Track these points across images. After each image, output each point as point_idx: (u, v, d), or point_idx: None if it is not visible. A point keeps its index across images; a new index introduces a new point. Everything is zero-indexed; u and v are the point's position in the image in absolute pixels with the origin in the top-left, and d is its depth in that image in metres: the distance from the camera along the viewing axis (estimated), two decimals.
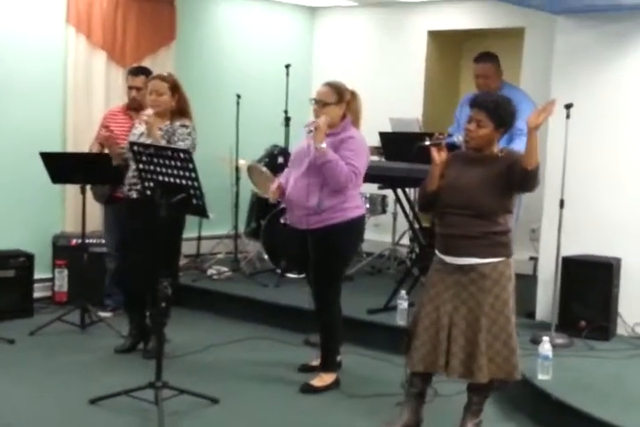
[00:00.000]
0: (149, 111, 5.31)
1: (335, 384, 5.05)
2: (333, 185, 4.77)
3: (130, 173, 5.40)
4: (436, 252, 4.25)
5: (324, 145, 4.71)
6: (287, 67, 7.94)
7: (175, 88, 5.38)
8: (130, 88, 6.16)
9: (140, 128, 5.43)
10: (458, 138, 4.30)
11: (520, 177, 3.93)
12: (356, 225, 4.99)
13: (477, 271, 4.06)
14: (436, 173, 4.22)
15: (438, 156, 4.20)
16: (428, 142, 4.23)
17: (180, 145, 5.18)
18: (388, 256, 7.96)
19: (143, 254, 5.20)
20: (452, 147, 4.34)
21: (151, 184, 4.70)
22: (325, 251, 4.91)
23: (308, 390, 4.99)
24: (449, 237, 4.15)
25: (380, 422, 4.43)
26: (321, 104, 4.86)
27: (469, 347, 4.05)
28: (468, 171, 4.14)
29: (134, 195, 5.38)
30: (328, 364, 5.09)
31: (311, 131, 4.82)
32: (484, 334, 4.02)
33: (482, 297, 4.04)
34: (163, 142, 5.21)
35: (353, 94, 4.98)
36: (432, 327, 4.13)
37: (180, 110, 5.39)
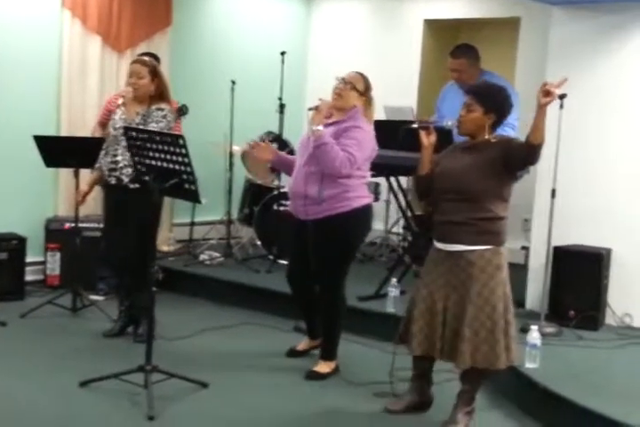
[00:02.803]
0: (128, 88, 5.39)
1: (336, 371, 5.08)
2: (327, 170, 4.71)
3: (108, 159, 5.45)
4: (433, 239, 4.29)
5: (320, 127, 4.67)
6: (282, 54, 7.95)
7: (155, 73, 5.45)
8: None
9: (119, 112, 5.48)
10: (447, 123, 4.33)
11: (522, 151, 3.95)
12: (362, 214, 4.90)
13: (465, 259, 4.10)
14: (426, 156, 4.27)
15: (427, 139, 4.24)
16: (415, 125, 4.28)
17: (153, 126, 5.27)
18: (379, 244, 7.99)
19: (123, 237, 5.34)
20: (441, 130, 4.36)
21: (144, 169, 4.71)
22: (329, 241, 4.86)
23: (314, 376, 4.99)
24: (441, 223, 4.20)
25: (383, 405, 4.53)
26: (351, 86, 4.86)
27: (456, 332, 4.09)
28: (461, 158, 4.18)
29: (112, 181, 5.43)
30: (330, 353, 5.10)
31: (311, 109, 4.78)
32: (470, 320, 4.05)
33: (469, 284, 4.08)
34: (136, 119, 5.32)
35: (372, 99, 4.99)
36: (427, 312, 4.18)
37: (160, 95, 5.46)
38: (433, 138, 4.28)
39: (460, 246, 4.12)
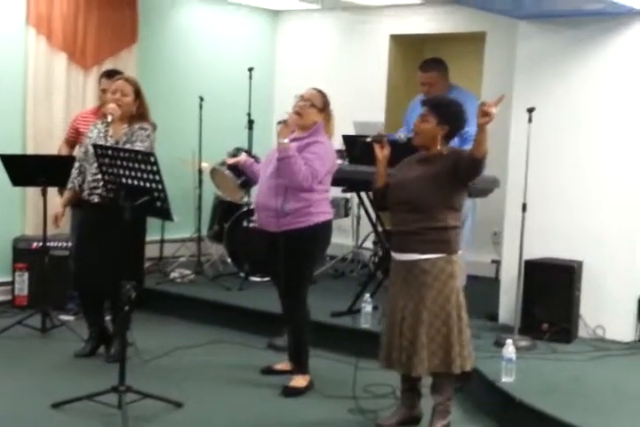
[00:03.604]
0: (113, 105, 5.28)
1: (311, 386, 5.06)
2: (290, 183, 4.77)
3: (89, 177, 5.35)
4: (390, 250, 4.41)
5: (286, 140, 4.72)
6: (250, 70, 7.93)
7: (138, 92, 5.39)
8: (103, 91, 6.10)
9: (95, 131, 5.40)
10: (399, 136, 4.44)
11: (467, 163, 4.05)
12: (322, 230, 4.97)
13: (419, 267, 4.18)
14: (381, 169, 4.40)
15: (380, 152, 4.37)
16: (369, 139, 4.42)
17: (138, 145, 5.21)
18: (351, 259, 7.98)
19: (101, 258, 5.19)
20: (394, 143, 4.46)
21: (114, 187, 4.66)
22: (291, 254, 4.89)
23: (291, 392, 4.97)
24: (396, 233, 4.33)
25: (366, 419, 4.55)
26: (309, 104, 4.92)
27: (413, 341, 4.15)
28: (413, 169, 4.29)
29: (95, 199, 5.33)
30: (302, 366, 5.09)
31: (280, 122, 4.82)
32: (426, 327, 4.13)
33: (424, 292, 4.16)
34: (124, 138, 5.25)
35: (331, 115, 5.06)
36: (391, 325, 4.27)
37: (140, 115, 5.39)
38: (386, 151, 4.39)
39: (413, 255, 4.19)
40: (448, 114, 4.23)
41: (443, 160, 4.18)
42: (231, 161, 5.37)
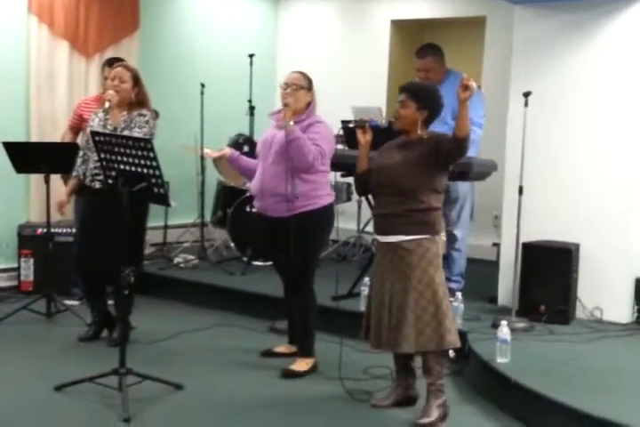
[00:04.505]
0: (112, 92, 5.33)
1: (314, 369, 5.11)
2: (300, 164, 4.82)
3: (91, 164, 5.41)
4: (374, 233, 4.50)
5: (292, 123, 4.79)
6: (251, 56, 7.98)
7: (136, 79, 5.43)
8: (106, 79, 6.14)
9: (96, 119, 5.45)
10: (381, 121, 4.51)
11: (450, 145, 4.14)
12: (329, 212, 5.08)
13: (404, 248, 4.27)
14: (363, 154, 4.50)
15: (363, 137, 4.49)
16: (351, 125, 4.58)
17: (137, 131, 5.25)
18: (353, 243, 8.03)
19: (103, 243, 5.25)
20: (376, 129, 4.54)
21: (113, 173, 4.72)
22: (302, 237, 4.92)
23: (289, 374, 5.02)
24: (378, 216, 4.43)
25: (354, 400, 4.62)
26: (296, 87, 4.96)
27: (399, 319, 4.23)
28: (395, 154, 4.38)
29: (97, 185, 5.40)
30: (307, 349, 5.14)
31: (283, 109, 4.88)
32: (412, 306, 4.22)
33: (410, 272, 4.25)
34: (122, 125, 5.30)
35: (315, 94, 5.12)
36: (379, 306, 4.35)
37: (139, 102, 5.43)
38: (368, 136, 4.49)
39: (398, 237, 4.28)
40: (426, 99, 4.32)
41: (423, 144, 4.27)
42: (215, 154, 5.34)
